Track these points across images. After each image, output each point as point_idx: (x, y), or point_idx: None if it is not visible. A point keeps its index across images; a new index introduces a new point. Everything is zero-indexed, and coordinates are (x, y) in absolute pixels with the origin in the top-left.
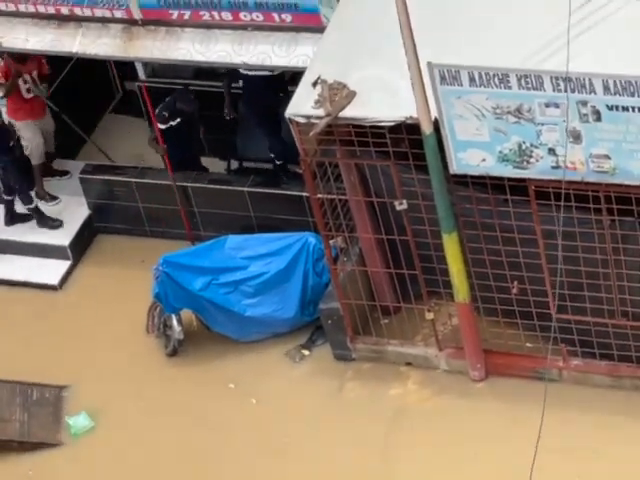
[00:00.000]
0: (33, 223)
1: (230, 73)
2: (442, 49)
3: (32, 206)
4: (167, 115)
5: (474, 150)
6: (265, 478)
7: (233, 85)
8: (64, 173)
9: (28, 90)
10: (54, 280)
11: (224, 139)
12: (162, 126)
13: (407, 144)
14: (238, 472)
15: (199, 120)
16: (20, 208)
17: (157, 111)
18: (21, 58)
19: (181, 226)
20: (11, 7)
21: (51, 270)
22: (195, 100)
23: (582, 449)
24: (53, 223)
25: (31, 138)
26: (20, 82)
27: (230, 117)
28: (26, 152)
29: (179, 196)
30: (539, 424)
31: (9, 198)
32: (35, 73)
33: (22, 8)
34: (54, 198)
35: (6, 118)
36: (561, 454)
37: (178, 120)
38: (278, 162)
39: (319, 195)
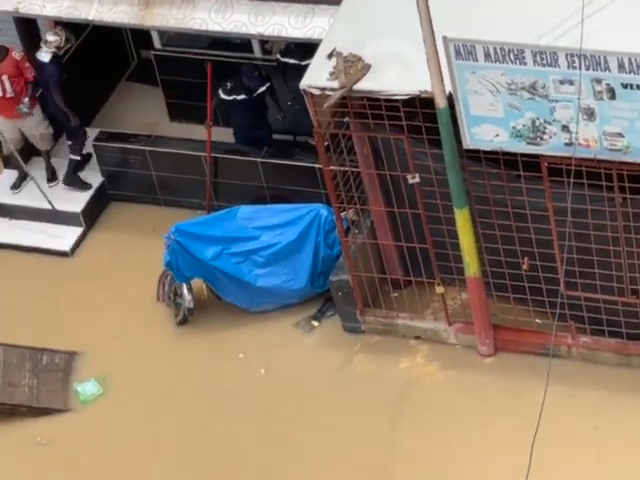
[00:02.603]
0: (52, 187)
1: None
2: (458, 24)
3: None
4: (229, 87)
5: (488, 125)
6: (273, 448)
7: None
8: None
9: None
10: (66, 246)
11: None
12: (225, 97)
13: (421, 118)
14: (246, 442)
15: (274, 98)
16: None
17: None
18: None
19: (194, 195)
20: None
21: (63, 236)
22: (261, 78)
23: (587, 426)
24: (83, 185)
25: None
26: None
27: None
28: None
29: (209, 168)
30: (546, 399)
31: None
32: (6, 77)
33: None
34: (54, 179)
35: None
36: (565, 430)
37: (243, 96)
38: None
39: (332, 167)
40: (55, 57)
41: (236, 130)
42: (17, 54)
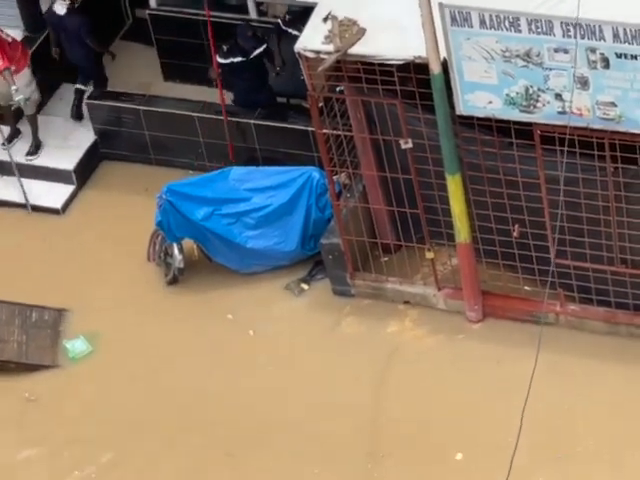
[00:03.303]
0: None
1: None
2: None
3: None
4: (225, 50)
5: (481, 92)
6: (259, 408)
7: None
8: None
9: None
10: (57, 204)
11: None
12: (222, 60)
13: (415, 83)
14: (233, 402)
15: (271, 60)
16: None
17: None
18: None
19: (186, 155)
20: None
21: (54, 194)
22: (257, 39)
23: (574, 393)
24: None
25: None
26: None
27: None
28: None
29: (229, 131)
30: (533, 367)
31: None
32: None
33: None
34: (37, 151)
35: None
36: (553, 397)
37: (240, 58)
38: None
39: (325, 130)
40: (71, 9)
41: (236, 93)
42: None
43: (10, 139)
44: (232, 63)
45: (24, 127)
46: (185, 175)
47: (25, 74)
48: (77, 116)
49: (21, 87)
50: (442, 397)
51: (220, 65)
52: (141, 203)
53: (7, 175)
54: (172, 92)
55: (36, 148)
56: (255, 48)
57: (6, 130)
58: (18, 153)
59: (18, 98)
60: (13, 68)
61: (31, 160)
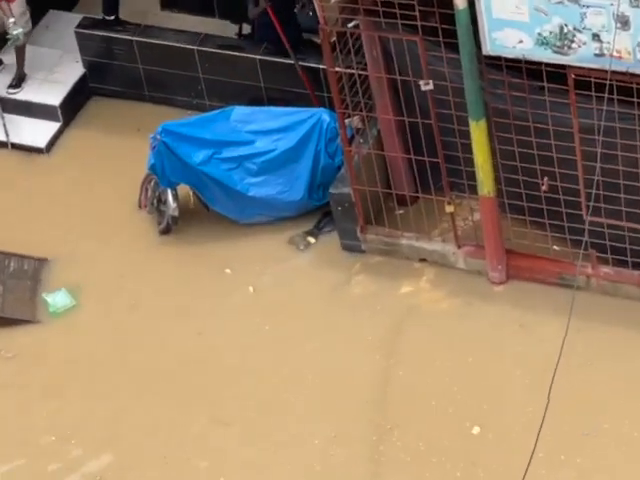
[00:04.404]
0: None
1: None
2: None
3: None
4: None
5: (511, 30)
6: (257, 372)
7: None
8: None
9: None
10: (41, 143)
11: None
12: None
13: (437, 19)
14: (227, 365)
15: None
16: None
17: None
18: None
19: (184, 93)
20: None
21: (38, 132)
22: None
23: (606, 362)
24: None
25: None
26: None
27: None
28: None
29: (301, 73)
30: (561, 334)
31: None
32: None
33: None
34: (20, 84)
35: None
36: (582, 368)
37: None
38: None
39: (337, 69)
40: None
41: (258, 27)
42: None
43: None
44: None
45: (6, 57)
46: (182, 114)
47: (20, 1)
48: None
49: (17, 16)
50: (459, 365)
51: None
52: (133, 144)
53: None
54: (170, 22)
55: (19, 81)
56: None
57: None
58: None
59: (17, 32)
60: None
61: (13, 94)
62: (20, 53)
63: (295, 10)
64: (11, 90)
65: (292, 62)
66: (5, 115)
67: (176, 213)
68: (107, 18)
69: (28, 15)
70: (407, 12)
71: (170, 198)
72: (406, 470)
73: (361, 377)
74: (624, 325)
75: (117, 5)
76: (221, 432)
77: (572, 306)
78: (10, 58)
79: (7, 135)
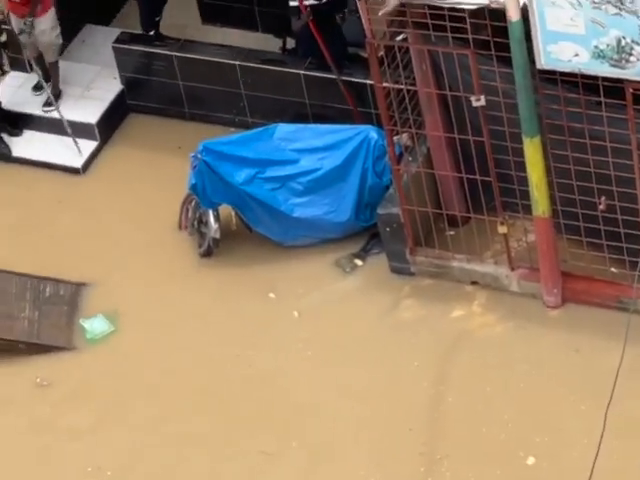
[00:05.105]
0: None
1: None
2: None
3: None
4: None
5: (566, 43)
6: (298, 400)
7: None
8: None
9: None
10: (77, 163)
11: (279, 13)
12: (292, 3)
13: (490, 32)
14: (271, 392)
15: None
16: None
17: None
18: None
19: (226, 109)
20: None
21: (75, 151)
22: None
23: None
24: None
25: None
26: None
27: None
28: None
29: (345, 89)
30: (617, 360)
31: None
32: None
33: None
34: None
35: None
36: (638, 399)
37: (312, 1)
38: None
39: (385, 84)
40: None
41: (303, 41)
42: None
43: (41, 85)
44: (320, 4)
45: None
46: (224, 132)
47: (51, 14)
48: None
49: (47, 29)
50: (512, 392)
51: (292, 8)
52: (173, 163)
53: (25, 129)
54: (211, 37)
55: (55, 98)
56: None
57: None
58: (35, 104)
59: (20, 28)
60: (40, 7)
61: (49, 112)
62: (55, 70)
63: (337, 21)
64: (46, 108)
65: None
66: (40, 134)
67: (218, 235)
68: (147, 34)
69: (58, 30)
70: (458, 25)
71: (211, 219)
72: None
73: (408, 405)
74: None
75: (156, 21)
76: (264, 461)
77: (627, 330)
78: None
79: (76, 143)
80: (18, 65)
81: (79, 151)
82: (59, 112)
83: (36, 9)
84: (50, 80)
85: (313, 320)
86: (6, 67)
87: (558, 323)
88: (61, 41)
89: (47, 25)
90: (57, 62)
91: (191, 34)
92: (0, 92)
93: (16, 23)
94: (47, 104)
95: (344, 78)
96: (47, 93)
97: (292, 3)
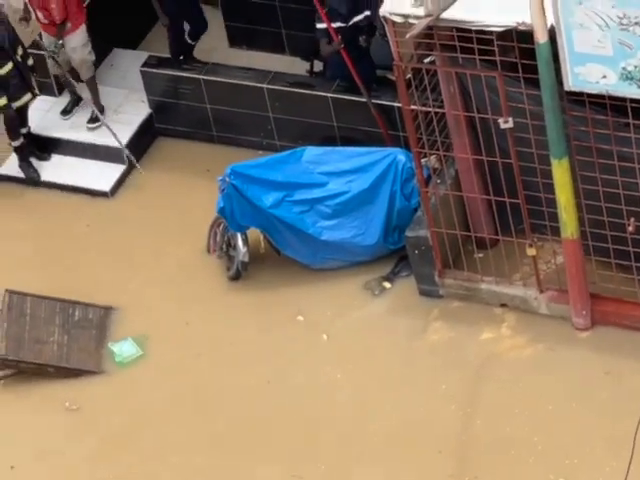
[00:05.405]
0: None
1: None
2: None
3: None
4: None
5: (594, 65)
6: (328, 424)
7: None
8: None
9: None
10: (105, 186)
11: (306, 36)
12: (318, 25)
13: (517, 54)
14: (301, 416)
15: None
16: None
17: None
18: None
19: (254, 133)
20: None
21: (103, 175)
22: (355, 3)
23: None
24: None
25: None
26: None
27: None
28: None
29: (375, 112)
30: None
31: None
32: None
33: None
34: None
35: None
36: None
37: (339, 24)
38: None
39: (413, 106)
40: None
41: (331, 64)
42: None
43: (70, 108)
44: (356, 26)
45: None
46: (252, 155)
47: (82, 32)
48: None
49: (77, 47)
50: (540, 414)
51: (320, 31)
52: (201, 186)
53: (53, 152)
54: (238, 60)
55: (100, 112)
56: (355, 13)
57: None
58: (63, 128)
59: (50, 50)
60: (69, 25)
61: (95, 127)
62: (92, 86)
63: (361, 43)
64: (92, 124)
65: (365, 100)
66: (68, 157)
67: (246, 258)
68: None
69: (90, 47)
70: (485, 47)
71: (240, 243)
72: None
73: (437, 427)
74: None
75: (190, 45)
76: None
77: None
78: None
79: (129, 156)
80: (46, 89)
81: (135, 163)
82: (107, 125)
83: (64, 30)
84: (81, 101)
85: (342, 343)
86: (36, 91)
87: (587, 345)
88: (94, 57)
89: (78, 42)
90: (93, 78)
91: (218, 57)
92: (29, 116)
93: (48, 43)
94: (92, 120)
95: (375, 101)
96: (91, 107)
97: (320, 26)
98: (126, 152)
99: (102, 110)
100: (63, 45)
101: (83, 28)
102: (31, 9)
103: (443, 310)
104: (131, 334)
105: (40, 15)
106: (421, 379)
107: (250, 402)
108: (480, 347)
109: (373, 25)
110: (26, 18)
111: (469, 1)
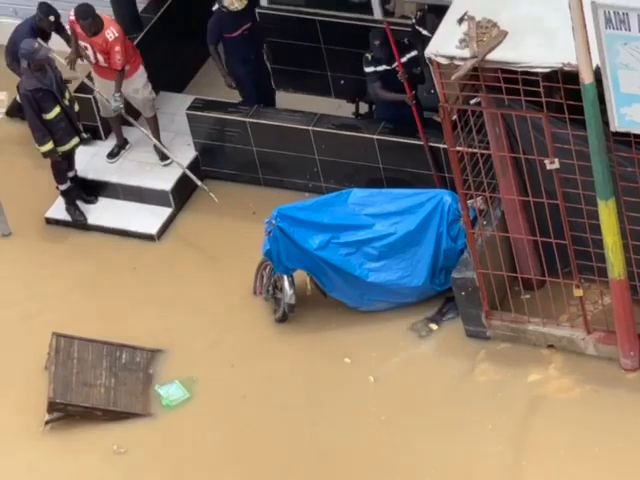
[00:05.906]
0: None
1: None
2: None
3: None
4: (370, 58)
5: None
6: (378, 467)
7: None
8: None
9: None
10: (152, 229)
11: (351, 78)
12: (367, 69)
13: (563, 94)
14: (348, 459)
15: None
16: None
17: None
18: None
19: (300, 175)
20: None
21: (149, 218)
22: (402, 45)
23: None
24: None
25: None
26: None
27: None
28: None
29: (430, 157)
30: None
31: None
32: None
33: None
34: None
35: None
36: None
37: (385, 67)
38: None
39: (458, 148)
40: (218, 10)
41: (378, 105)
42: (111, 34)
43: (117, 151)
44: (375, 72)
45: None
46: (298, 197)
47: (142, 72)
48: None
49: (139, 88)
50: (587, 456)
51: (369, 75)
52: (247, 229)
53: (101, 196)
54: (283, 102)
55: (119, 149)
56: (401, 54)
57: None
58: (109, 171)
59: (115, 105)
60: (127, 68)
61: (168, 164)
62: (154, 124)
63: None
64: (164, 162)
65: (411, 142)
66: (115, 201)
67: (293, 300)
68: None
69: (150, 86)
70: (531, 88)
71: (286, 285)
72: None
73: (483, 467)
74: None
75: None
76: None
77: None
78: (133, 136)
79: (208, 192)
80: (92, 133)
81: (214, 198)
82: (177, 161)
83: (122, 81)
84: (127, 144)
85: (388, 384)
86: (83, 134)
87: (635, 386)
88: (154, 95)
89: (140, 83)
90: (155, 116)
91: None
92: (75, 160)
93: (104, 88)
94: (164, 157)
95: (425, 143)
96: (159, 146)
97: (367, 70)
98: (205, 188)
99: (124, 146)
100: (121, 94)
101: (142, 69)
102: (86, 53)
103: (490, 351)
104: (178, 376)
105: (101, 59)
106: (468, 420)
107: (296, 444)
108: (527, 388)
109: (423, 76)
110: (74, 60)
111: (514, 41)
